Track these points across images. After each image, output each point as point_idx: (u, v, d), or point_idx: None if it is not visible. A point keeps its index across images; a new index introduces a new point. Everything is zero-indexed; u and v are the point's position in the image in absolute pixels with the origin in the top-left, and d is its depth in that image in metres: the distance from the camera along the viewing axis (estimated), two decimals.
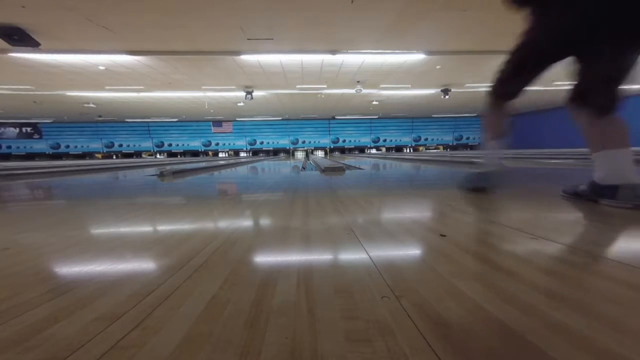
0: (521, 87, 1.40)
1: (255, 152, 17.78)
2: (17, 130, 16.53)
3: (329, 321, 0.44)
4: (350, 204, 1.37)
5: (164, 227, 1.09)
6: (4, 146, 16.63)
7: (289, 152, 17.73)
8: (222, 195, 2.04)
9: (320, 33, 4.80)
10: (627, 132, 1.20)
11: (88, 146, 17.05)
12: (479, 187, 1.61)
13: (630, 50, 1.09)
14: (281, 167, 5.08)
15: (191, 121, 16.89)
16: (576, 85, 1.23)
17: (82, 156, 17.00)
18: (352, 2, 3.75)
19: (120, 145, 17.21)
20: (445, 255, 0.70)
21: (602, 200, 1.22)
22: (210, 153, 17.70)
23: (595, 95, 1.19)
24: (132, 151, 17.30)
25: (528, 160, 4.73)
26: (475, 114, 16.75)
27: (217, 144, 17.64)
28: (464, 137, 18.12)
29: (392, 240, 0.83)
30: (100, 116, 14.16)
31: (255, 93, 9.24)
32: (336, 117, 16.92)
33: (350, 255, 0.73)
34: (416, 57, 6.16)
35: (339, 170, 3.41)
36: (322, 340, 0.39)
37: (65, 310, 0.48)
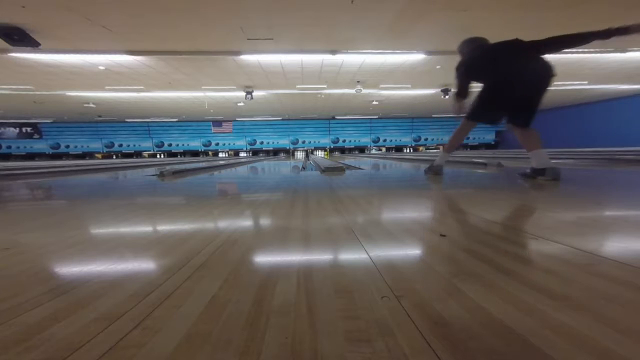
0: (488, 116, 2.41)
1: (255, 152, 17.76)
2: (17, 130, 16.51)
3: (329, 321, 0.44)
4: (350, 204, 1.37)
5: (164, 227, 1.09)
6: (4, 146, 16.60)
7: (289, 152, 17.72)
8: (222, 196, 2.04)
9: (320, 33, 4.80)
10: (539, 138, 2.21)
11: (88, 146, 17.03)
12: (434, 172, 2.63)
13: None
14: (281, 167, 5.07)
15: (191, 121, 16.87)
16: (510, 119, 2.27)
17: (82, 156, 16.99)
18: (352, 2, 3.75)
19: (120, 145, 17.19)
20: (445, 255, 0.70)
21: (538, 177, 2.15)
22: (210, 153, 17.69)
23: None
24: (132, 151, 17.29)
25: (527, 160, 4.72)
26: None
27: (217, 144, 17.62)
28: None
29: (392, 240, 0.83)
30: (100, 116, 14.15)
31: (255, 93, 9.23)
32: (336, 117, 16.91)
33: (350, 255, 0.73)
34: (416, 57, 6.16)
35: (339, 170, 3.40)
36: (322, 340, 0.39)
37: (65, 310, 0.48)
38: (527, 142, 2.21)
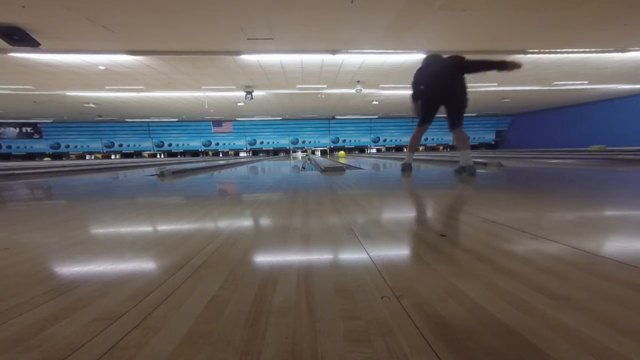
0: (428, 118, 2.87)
1: (255, 152, 17.77)
2: (17, 130, 16.51)
3: (329, 321, 0.44)
4: (350, 203, 1.37)
5: (164, 227, 1.09)
6: (4, 146, 16.61)
7: (289, 152, 17.73)
8: (222, 195, 2.04)
9: (320, 33, 4.80)
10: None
11: (88, 146, 17.03)
12: (405, 170, 3.08)
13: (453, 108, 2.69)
14: (281, 167, 5.07)
15: (191, 121, 16.87)
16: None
17: (83, 156, 17.00)
18: (352, 2, 3.75)
19: (121, 145, 17.19)
20: (445, 255, 0.70)
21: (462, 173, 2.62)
22: (210, 153, 17.70)
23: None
24: (132, 151, 17.30)
25: (527, 160, 4.73)
26: (474, 114, 16.74)
27: (217, 144, 17.63)
28: None
29: (392, 240, 0.83)
30: (100, 116, 14.15)
31: (255, 93, 9.23)
32: (336, 116, 16.91)
33: (350, 255, 0.73)
34: (416, 57, 6.15)
35: (339, 170, 3.40)
36: (322, 340, 0.39)
37: (65, 310, 0.48)
38: (457, 143, 2.77)
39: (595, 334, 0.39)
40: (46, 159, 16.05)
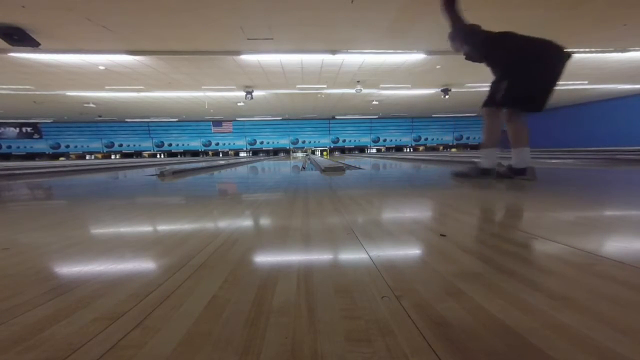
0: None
1: (255, 152, 17.77)
2: (17, 130, 16.52)
3: (329, 321, 0.44)
4: (350, 204, 1.37)
5: (164, 227, 1.09)
6: (4, 146, 16.61)
7: (289, 152, 17.73)
8: (222, 195, 2.04)
9: (320, 33, 4.80)
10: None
11: (88, 146, 17.04)
12: (477, 175, 2.21)
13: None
14: (281, 167, 5.07)
15: (191, 121, 16.88)
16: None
17: (83, 156, 17.01)
18: (352, 2, 3.75)
19: (121, 145, 17.20)
20: (445, 255, 0.70)
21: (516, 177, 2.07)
22: (210, 153, 17.70)
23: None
24: (132, 151, 17.30)
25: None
26: (475, 114, 16.74)
27: (217, 144, 17.63)
28: (464, 137, 18.10)
29: (392, 240, 0.83)
30: (100, 116, 14.15)
31: (255, 93, 9.23)
32: (336, 117, 16.91)
33: (350, 255, 0.73)
34: (416, 57, 6.16)
35: (339, 170, 3.40)
36: (322, 340, 0.39)
37: (65, 310, 0.48)
38: (518, 137, 2.05)
39: (595, 334, 0.39)
40: (61, 158, 16.09)
